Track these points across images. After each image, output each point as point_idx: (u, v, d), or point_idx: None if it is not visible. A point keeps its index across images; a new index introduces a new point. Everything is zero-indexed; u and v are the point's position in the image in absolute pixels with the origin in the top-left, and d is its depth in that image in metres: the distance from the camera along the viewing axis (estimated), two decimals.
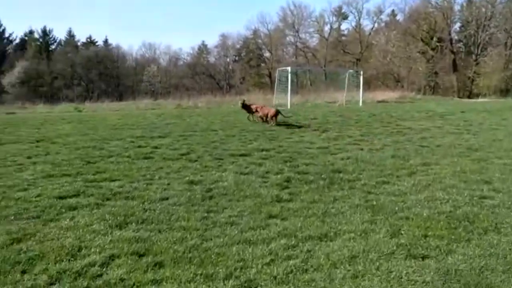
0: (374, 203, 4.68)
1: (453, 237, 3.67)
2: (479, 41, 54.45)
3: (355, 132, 11.09)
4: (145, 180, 5.80)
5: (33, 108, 24.72)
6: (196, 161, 7.16)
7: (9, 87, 49.81)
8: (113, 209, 4.49)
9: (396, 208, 4.46)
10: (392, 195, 5.00)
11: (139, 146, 8.64)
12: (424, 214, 4.25)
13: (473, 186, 5.29)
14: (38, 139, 9.65)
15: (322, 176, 5.95)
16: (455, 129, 11.43)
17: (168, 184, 5.60)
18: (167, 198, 4.90)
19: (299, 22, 64.02)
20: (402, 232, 3.80)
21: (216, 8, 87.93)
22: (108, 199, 4.87)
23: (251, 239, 3.68)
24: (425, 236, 3.67)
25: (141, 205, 4.63)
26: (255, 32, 66.32)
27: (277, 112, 13.23)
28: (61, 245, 3.50)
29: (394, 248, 3.43)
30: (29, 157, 7.43)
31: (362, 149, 8.25)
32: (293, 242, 3.58)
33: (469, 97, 49.53)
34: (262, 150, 8.26)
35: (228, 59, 68.42)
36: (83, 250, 3.43)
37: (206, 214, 4.34)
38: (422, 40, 54.40)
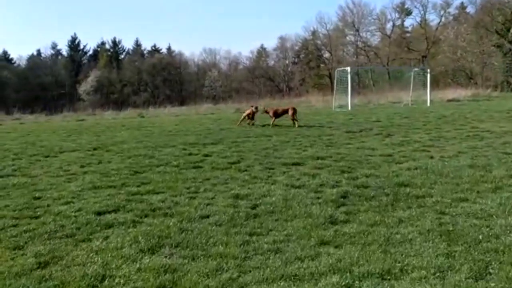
0: (451, 227, 3.85)
1: None
2: None
3: (423, 136, 10.01)
4: (189, 193, 5.41)
5: (102, 115, 25.96)
6: (245, 171, 6.69)
7: (84, 95, 53.51)
8: (148, 228, 4.12)
9: (480, 237, 3.60)
10: (473, 217, 4.12)
11: (190, 154, 8.37)
12: None
13: None
14: (95, 146, 9.77)
15: (385, 191, 5.17)
16: None
17: (213, 198, 5.17)
18: (208, 216, 4.45)
19: (359, 20, 61.82)
20: (491, 271, 2.98)
21: (275, 12, 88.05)
22: (146, 216, 4.53)
23: (297, 273, 3.08)
24: None
25: (178, 224, 4.21)
26: (314, 33, 65.17)
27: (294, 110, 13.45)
28: (85, 273, 3.15)
29: None
30: (82, 166, 7.43)
31: (432, 157, 7.28)
32: (347, 281, 2.92)
33: None
34: (318, 158, 7.61)
35: (287, 61, 67.97)
36: (106, 281, 3.05)
37: (248, 238, 3.81)
38: (497, 32, 49.80)
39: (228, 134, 11.53)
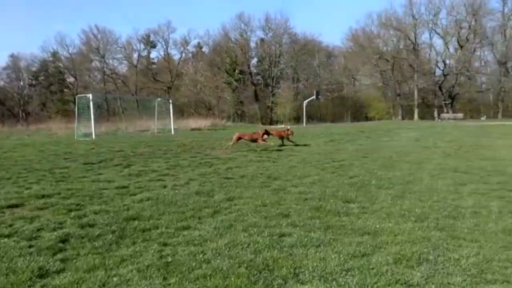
0: (170, 259, 3.92)
1: None
2: (272, 75, 62.20)
3: (162, 165, 10.35)
4: None
5: None
6: None
7: None
8: None
9: (194, 264, 3.80)
10: (191, 245, 4.35)
11: None
12: (224, 268, 3.71)
13: (273, 222, 5.12)
14: None
15: (112, 227, 4.90)
16: (258, 157, 11.93)
17: None
18: None
19: (105, 47, 60.75)
20: None
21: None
22: None
23: None
24: None
25: None
26: (54, 54, 59.76)
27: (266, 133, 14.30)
28: None
29: None
30: None
31: (165, 186, 7.51)
32: None
33: (270, 123, 55.38)
34: (43, 196, 6.64)
35: (21, 83, 59.50)
36: None
37: None
38: (226, 71, 58.72)
39: None
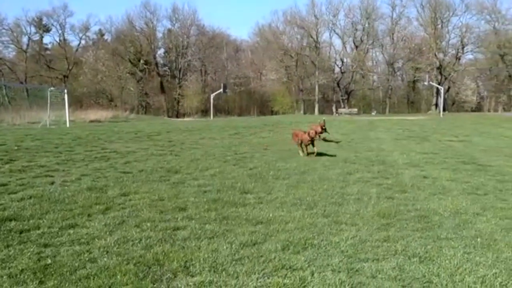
0: (49, 261, 3.62)
1: None
2: (180, 66, 60.99)
3: (52, 159, 9.52)
4: None
5: None
6: None
7: None
8: None
9: (77, 264, 3.56)
10: (76, 244, 4.07)
11: None
12: (111, 266, 3.54)
13: (168, 216, 5.03)
14: None
15: None
16: (160, 150, 11.62)
17: None
18: None
19: None
20: None
21: None
22: None
23: None
24: None
25: None
26: None
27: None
28: None
29: None
30: None
31: (53, 183, 6.92)
32: None
33: (177, 116, 54.40)
34: None
35: None
36: None
37: None
38: (130, 61, 56.00)
39: None
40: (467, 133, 18.66)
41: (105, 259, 3.70)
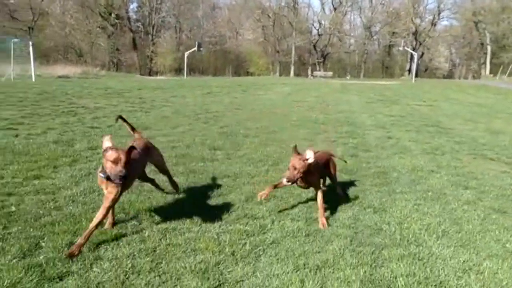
0: (13, 209, 3.65)
1: (103, 239, 3.21)
2: (153, 22, 58.80)
3: (15, 113, 9.25)
4: None
5: None
6: None
7: None
8: None
9: (42, 212, 3.61)
10: (42, 193, 4.09)
11: None
12: (77, 213, 3.61)
13: None
14: None
15: None
16: (130, 107, 11.45)
17: None
18: None
19: None
20: (43, 244, 3.02)
21: None
22: None
23: None
24: (67, 245, 3.02)
25: None
26: None
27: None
28: None
29: (23, 274, 2.62)
30: None
31: (17, 135, 6.78)
32: None
33: (149, 74, 53.00)
34: None
35: None
36: None
37: None
38: (101, 15, 53.45)
39: None
40: (435, 99, 19.19)
41: (70, 207, 3.77)
